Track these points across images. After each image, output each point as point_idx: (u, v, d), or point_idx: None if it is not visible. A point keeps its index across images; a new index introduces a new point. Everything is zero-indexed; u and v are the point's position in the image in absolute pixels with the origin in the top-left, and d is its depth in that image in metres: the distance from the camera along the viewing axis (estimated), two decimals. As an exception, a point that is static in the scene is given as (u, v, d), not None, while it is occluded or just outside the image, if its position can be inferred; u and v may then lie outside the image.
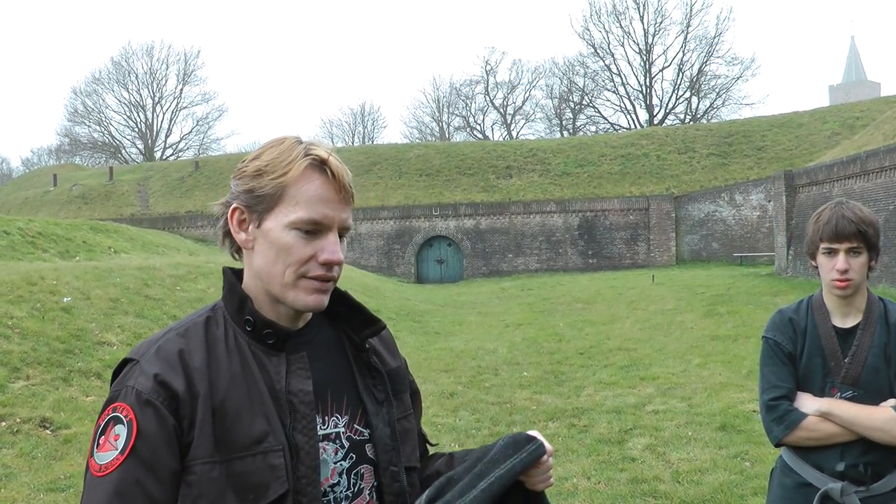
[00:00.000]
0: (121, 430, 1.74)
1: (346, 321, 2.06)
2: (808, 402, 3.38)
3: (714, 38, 72.87)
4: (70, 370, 11.23)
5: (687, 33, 72.33)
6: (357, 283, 26.45)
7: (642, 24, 73.08)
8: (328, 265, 1.88)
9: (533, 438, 1.95)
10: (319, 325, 2.02)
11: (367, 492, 1.96)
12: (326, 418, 1.92)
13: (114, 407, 1.77)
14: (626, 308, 23.32)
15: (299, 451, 1.83)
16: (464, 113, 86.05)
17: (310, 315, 2.00)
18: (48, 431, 9.53)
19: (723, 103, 74.02)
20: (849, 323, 3.42)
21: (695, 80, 73.19)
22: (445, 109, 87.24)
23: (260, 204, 1.88)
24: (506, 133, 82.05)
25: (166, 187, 50.60)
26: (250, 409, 1.81)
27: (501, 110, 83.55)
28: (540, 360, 15.56)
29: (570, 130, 77.46)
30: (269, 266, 1.88)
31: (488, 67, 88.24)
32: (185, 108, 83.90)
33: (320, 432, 1.89)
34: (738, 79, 74.72)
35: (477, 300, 29.45)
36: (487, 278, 40.65)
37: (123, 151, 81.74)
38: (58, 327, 12.44)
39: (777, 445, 3.48)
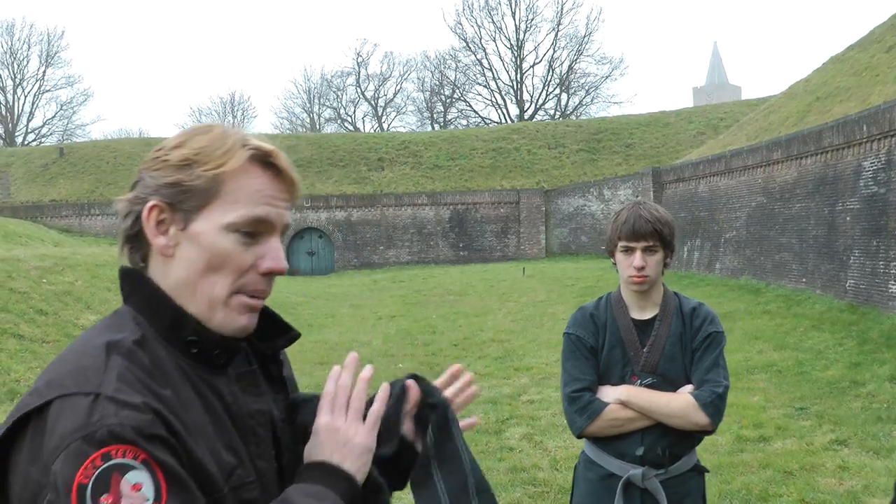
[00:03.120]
0: (139, 477, 1.34)
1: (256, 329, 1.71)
2: (608, 392, 3.54)
3: (584, 37, 74.18)
4: (-74, 364, 10.71)
5: (558, 31, 73.57)
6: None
7: (514, 20, 74.05)
8: (270, 275, 1.62)
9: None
10: None
11: None
12: None
13: (105, 454, 1.33)
14: (499, 300, 23.54)
15: (263, 479, 1.60)
16: (335, 104, 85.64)
17: None
18: None
19: (592, 101, 75.55)
20: (646, 315, 3.62)
21: (565, 77, 74.43)
22: (316, 100, 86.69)
23: (188, 200, 1.56)
24: (377, 125, 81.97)
25: (29, 174, 48.74)
26: (217, 440, 1.53)
27: (373, 102, 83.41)
28: (414, 351, 15.58)
29: (442, 124, 77.80)
30: (194, 278, 1.57)
31: (360, 59, 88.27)
32: (48, 91, 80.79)
33: None
34: (606, 78, 76.42)
35: (349, 292, 29.32)
36: (359, 270, 40.51)
37: (-20, 136, 78.57)
38: (-87, 319, 11.86)
39: (579, 436, 3.60)
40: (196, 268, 1.57)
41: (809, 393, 10.55)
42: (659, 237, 3.48)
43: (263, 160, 1.61)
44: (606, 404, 3.47)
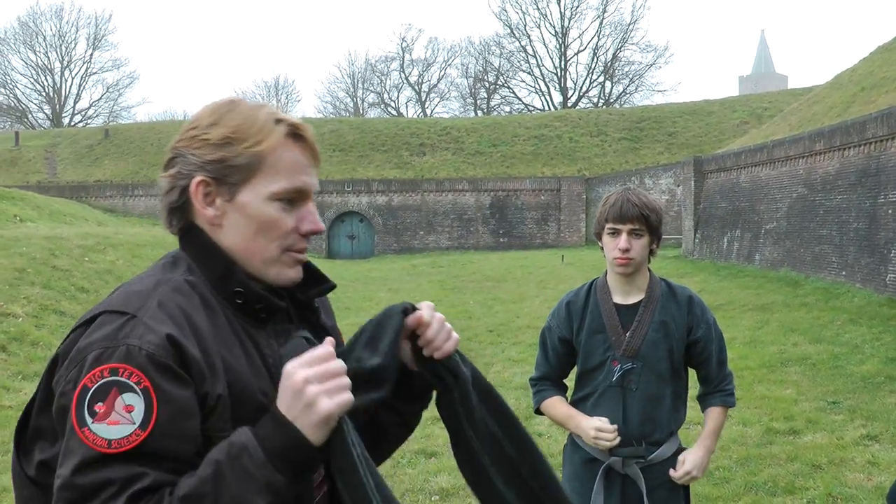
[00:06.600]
0: (134, 401, 1.49)
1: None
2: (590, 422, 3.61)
3: (629, 24, 73.87)
4: (-28, 341, 10.94)
5: (603, 19, 73.15)
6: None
7: (559, 7, 73.63)
8: (309, 235, 1.80)
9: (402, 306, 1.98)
10: None
11: None
12: None
13: (113, 369, 1.50)
14: (536, 287, 23.54)
15: None
16: (378, 89, 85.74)
17: None
18: (-51, 402, 9.29)
19: (635, 89, 75.11)
20: (630, 300, 3.69)
21: (609, 65, 74.04)
22: (360, 85, 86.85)
23: (233, 175, 1.73)
24: (420, 111, 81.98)
25: (75, 155, 49.36)
26: (251, 386, 1.68)
27: (416, 88, 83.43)
28: (450, 336, 15.58)
29: (484, 110, 77.65)
30: (247, 242, 1.75)
31: (404, 44, 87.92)
32: (94, 73, 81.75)
33: None
34: (651, 65, 76.07)
35: (388, 276, 29.41)
36: (398, 255, 40.59)
37: (30, 116, 79.33)
38: (-41, 296, 12.11)
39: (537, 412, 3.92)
40: (247, 233, 1.75)
41: (843, 387, 10.50)
42: (645, 221, 3.57)
43: (295, 133, 1.78)
44: (547, 397, 3.81)
